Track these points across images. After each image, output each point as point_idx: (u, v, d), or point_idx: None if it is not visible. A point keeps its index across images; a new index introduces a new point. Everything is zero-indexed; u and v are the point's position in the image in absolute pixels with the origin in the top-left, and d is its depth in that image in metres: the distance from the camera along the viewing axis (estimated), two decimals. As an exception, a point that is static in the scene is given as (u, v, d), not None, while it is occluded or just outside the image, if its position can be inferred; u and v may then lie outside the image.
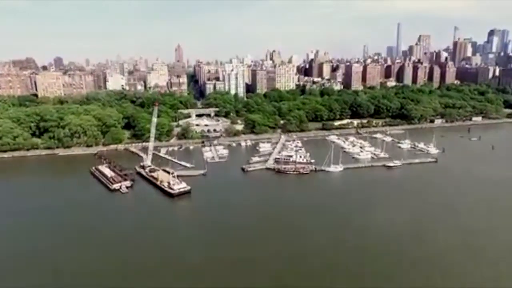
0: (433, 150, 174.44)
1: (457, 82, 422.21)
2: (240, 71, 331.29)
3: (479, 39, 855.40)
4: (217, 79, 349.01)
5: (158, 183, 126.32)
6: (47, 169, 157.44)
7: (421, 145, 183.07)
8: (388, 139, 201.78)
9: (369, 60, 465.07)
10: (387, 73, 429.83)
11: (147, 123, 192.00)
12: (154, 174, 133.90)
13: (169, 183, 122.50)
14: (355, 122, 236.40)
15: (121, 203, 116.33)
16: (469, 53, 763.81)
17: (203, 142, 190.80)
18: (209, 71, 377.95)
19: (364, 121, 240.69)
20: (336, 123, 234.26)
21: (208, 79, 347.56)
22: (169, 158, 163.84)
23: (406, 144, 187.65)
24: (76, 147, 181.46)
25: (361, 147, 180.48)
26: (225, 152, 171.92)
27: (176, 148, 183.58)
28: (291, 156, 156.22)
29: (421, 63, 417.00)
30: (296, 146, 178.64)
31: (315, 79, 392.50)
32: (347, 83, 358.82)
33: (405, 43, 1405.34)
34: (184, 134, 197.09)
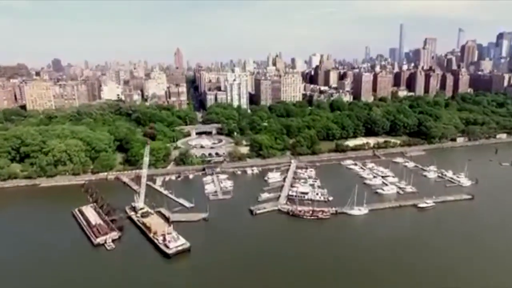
0: (465, 182, 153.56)
1: (470, 90, 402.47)
2: (243, 80, 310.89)
3: (481, 40, 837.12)
4: (219, 88, 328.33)
5: (151, 235, 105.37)
6: (21, 207, 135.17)
7: (450, 174, 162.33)
8: (411, 164, 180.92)
9: (378, 68, 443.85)
10: (397, 81, 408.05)
11: (141, 147, 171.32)
12: (147, 221, 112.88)
13: (164, 236, 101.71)
14: (371, 141, 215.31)
15: (104, 267, 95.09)
16: (475, 57, 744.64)
17: (204, 169, 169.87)
18: (209, 80, 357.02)
19: (381, 140, 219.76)
20: (350, 143, 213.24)
21: (209, 89, 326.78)
22: (165, 193, 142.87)
23: (432, 172, 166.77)
24: (60, 176, 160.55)
25: (382, 177, 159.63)
26: (229, 184, 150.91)
27: (174, 177, 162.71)
28: (306, 193, 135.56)
29: (433, 71, 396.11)
30: (310, 177, 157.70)
31: (322, 88, 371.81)
32: (356, 93, 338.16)
33: (407, 43, 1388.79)
34: (183, 160, 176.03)
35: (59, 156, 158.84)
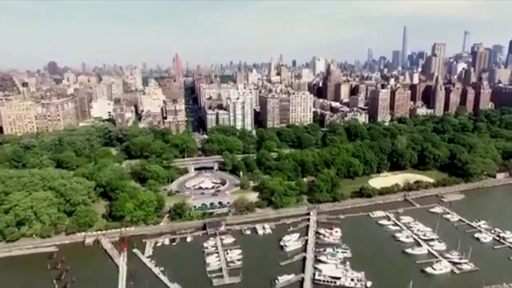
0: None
1: (491, 104, 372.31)
2: (248, 99, 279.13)
3: (482, 40, 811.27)
4: (220, 107, 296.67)
5: None
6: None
7: (510, 237, 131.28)
8: (454, 217, 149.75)
9: (392, 81, 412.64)
10: (412, 94, 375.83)
11: (128, 199, 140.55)
12: None
13: None
14: (399, 180, 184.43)
15: None
16: (486, 63, 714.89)
17: (204, 226, 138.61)
18: (210, 97, 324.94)
19: (409, 176, 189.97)
20: (375, 182, 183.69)
21: (209, 107, 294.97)
22: (156, 271, 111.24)
23: (485, 233, 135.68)
24: (25, 239, 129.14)
25: (425, 241, 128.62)
26: (236, 254, 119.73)
27: (167, 241, 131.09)
28: (338, 278, 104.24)
29: (453, 85, 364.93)
30: (336, 244, 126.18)
31: (333, 104, 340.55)
32: (372, 111, 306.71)
33: (408, 44, 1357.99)
34: (179, 213, 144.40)
35: (23, 215, 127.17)
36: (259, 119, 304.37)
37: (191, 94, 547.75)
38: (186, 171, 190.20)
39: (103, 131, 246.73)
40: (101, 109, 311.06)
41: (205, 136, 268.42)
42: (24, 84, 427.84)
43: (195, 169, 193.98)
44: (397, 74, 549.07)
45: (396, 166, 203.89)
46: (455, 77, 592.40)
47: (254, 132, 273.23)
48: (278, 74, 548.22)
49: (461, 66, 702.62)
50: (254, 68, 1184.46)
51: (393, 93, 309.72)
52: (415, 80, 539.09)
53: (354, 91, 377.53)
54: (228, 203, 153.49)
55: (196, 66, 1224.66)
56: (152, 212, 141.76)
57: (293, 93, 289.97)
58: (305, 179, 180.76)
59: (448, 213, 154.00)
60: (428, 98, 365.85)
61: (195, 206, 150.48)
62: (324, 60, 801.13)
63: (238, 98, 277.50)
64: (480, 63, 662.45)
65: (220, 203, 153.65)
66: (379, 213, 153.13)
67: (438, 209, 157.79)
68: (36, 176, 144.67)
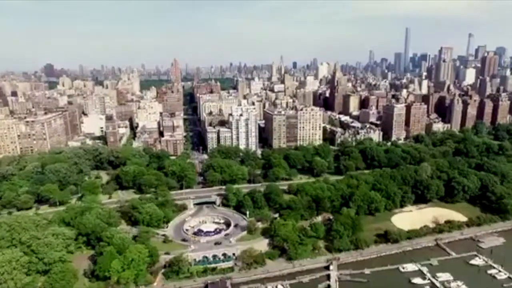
0: None
1: (509, 117, 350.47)
2: (252, 116, 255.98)
3: (482, 40, 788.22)
4: (222, 123, 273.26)
5: None
6: None
7: None
8: (502, 273, 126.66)
9: (404, 92, 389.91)
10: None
11: (115, 254, 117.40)
12: None
13: None
14: (428, 219, 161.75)
15: None
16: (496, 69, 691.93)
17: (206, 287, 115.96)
18: (210, 112, 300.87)
19: (437, 213, 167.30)
20: (399, 220, 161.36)
21: (210, 124, 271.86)
22: None
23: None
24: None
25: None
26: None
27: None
28: None
29: (470, 97, 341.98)
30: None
31: (343, 118, 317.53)
32: (386, 127, 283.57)
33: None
34: (176, 270, 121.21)
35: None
36: (264, 136, 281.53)
37: (190, 102, 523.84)
38: (184, 207, 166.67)
39: (93, 153, 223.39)
40: (92, 124, 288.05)
41: (205, 156, 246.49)
42: (14, 94, 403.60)
43: (195, 204, 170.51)
44: (406, 82, 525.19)
45: (420, 198, 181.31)
46: (465, 83, 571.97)
47: (259, 151, 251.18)
48: (282, 82, 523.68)
49: (469, 71, 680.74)
50: (255, 70, 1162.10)
51: (408, 108, 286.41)
52: (424, 87, 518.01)
53: (363, 103, 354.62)
54: (234, 254, 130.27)
55: (196, 68, 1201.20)
56: (143, 270, 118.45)
57: (301, 109, 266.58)
58: (319, 217, 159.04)
59: (492, 266, 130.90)
60: (442, 110, 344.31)
61: (195, 260, 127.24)
62: (326, 64, 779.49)
63: (241, 115, 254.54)
64: (489, 69, 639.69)
65: (224, 255, 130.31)
66: (410, 267, 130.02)
67: (479, 261, 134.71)
68: (3, 226, 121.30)
